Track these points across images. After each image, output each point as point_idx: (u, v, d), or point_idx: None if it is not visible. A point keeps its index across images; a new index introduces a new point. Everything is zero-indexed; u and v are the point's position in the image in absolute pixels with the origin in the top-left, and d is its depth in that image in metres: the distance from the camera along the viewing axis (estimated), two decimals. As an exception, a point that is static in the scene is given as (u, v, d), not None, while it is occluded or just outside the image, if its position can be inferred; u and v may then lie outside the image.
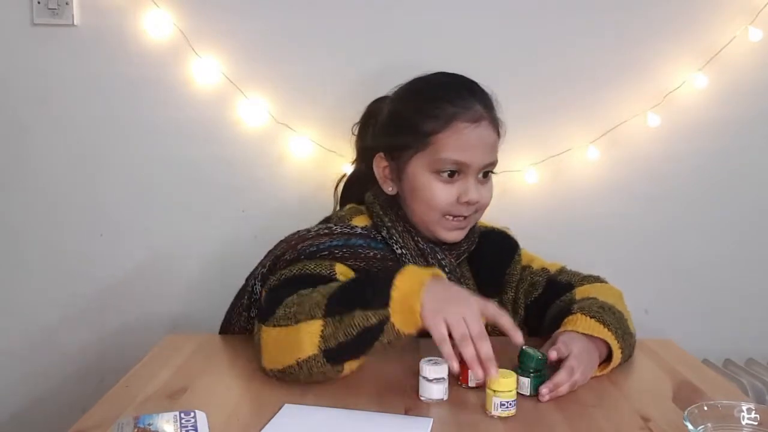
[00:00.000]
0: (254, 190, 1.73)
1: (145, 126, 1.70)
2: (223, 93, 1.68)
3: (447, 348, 0.95)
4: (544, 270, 1.33)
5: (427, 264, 1.24)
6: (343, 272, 1.17)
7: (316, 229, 1.25)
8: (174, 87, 1.68)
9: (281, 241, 1.26)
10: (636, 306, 1.76)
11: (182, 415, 0.89)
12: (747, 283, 1.78)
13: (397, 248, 1.23)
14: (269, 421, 0.92)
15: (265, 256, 1.27)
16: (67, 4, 1.64)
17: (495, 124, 1.24)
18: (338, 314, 1.00)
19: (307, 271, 1.16)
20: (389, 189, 1.27)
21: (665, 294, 1.78)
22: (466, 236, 1.28)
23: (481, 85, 1.27)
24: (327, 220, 1.32)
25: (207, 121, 1.69)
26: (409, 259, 1.23)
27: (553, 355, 1.04)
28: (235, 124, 1.69)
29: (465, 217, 1.24)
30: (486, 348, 0.95)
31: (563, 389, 1.01)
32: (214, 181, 1.72)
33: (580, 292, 1.26)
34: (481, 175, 1.23)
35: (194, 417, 0.89)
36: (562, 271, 1.34)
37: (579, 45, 1.71)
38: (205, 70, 1.66)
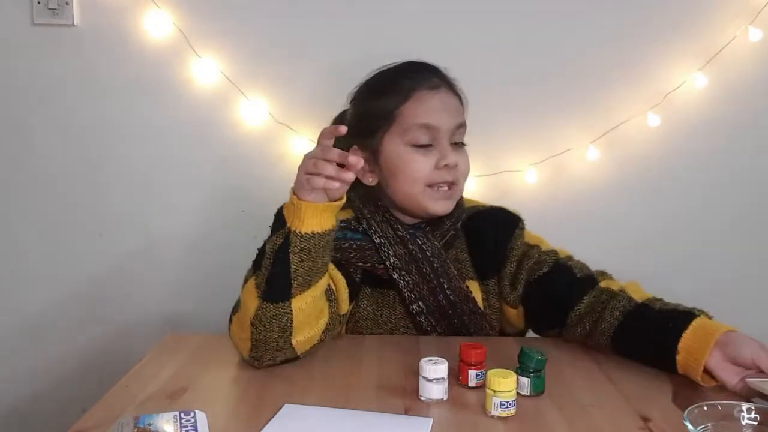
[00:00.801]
0: (254, 190, 1.73)
1: (145, 126, 1.71)
2: (223, 93, 1.68)
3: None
4: (552, 251, 1.31)
5: (407, 251, 1.24)
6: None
7: None
8: (174, 87, 1.68)
9: None
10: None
11: (182, 415, 0.89)
12: (747, 282, 1.78)
13: (375, 237, 1.24)
14: (269, 421, 0.92)
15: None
16: (67, 4, 1.65)
17: (454, 91, 1.28)
18: (258, 263, 1.07)
19: None
20: (369, 180, 1.27)
21: (665, 294, 1.77)
22: (449, 214, 1.27)
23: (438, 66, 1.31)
24: None
25: (207, 121, 1.69)
26: (387, 248, 1.23)
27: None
28: (236, 124, 1.69)
29: (449, 186, 1.24)
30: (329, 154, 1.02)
31: None
32: (214, 181, 1.72)
33: (628, 288, 1.25)
34: (454, 143, 1.25)
35: (194, 417, 0.89)
36: (570, 258, 1.31)
37: (579, 45, 1.71)
38: (205, 70, 1.66)
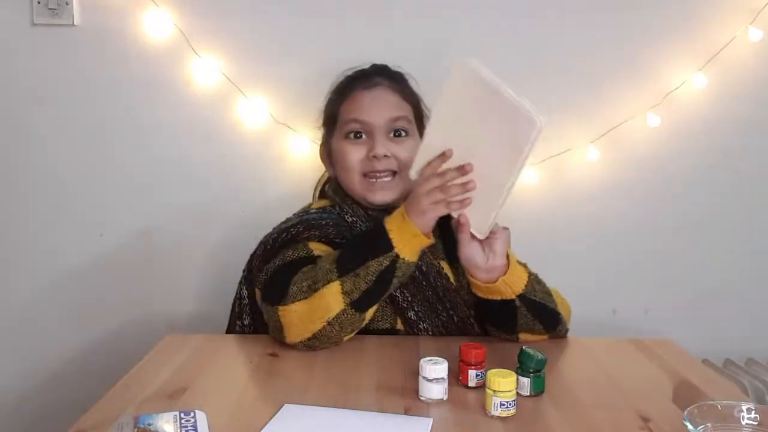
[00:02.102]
0: (254, 190, 1.73)
1: (145, 126, 1.70)
2: (223, 93, 1.68)
3: (440, 207, 1.12)
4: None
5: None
6: (317, 248, 1.25)
7: (277, 224, 1.34)
8: (174, 87, 1.68)
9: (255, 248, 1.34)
10: (636, 306, 1.77)
11: (182, 415, 0.89)
12: (747, 282, 1.78)
13: (348, 217, 1.32)
14: (269, 421, 0.92)
15: (246, 262, 1.35)
16: (67, 4, 1.65)
17: (396, 90, 1.36)
18: (351, 271, 1.12)
19: (288, 258, 1.23)
20: (330, 172, 1.40)
21: (665, 294, 1.78)
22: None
23: (394, 67, 1.40)
24: None
25: (207, 121, 1.69)
26: (360, 225, 1.31)
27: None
28: (235, 124, 1.69)
29: (383, 176, 1.30)
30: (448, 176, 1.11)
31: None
32: (214, 181, 1.72)
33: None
34: (392, 134, 1.32)
35: (194, 417, 0.89)
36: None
37: (579, 45, 1.71)
38: (205, 70, 1.66)
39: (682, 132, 1.72)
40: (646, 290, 1.76)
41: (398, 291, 1.27)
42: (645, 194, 1.75)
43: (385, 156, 1.30)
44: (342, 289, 1.12)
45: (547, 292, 1.24)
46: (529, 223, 1.65)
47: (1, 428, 1.77)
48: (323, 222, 1.29)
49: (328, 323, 1.12)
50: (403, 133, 1.33)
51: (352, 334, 1.17)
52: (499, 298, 1.18)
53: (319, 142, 1.43)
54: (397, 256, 1.12)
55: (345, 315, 1.12)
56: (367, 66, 1.41)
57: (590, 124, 1.71)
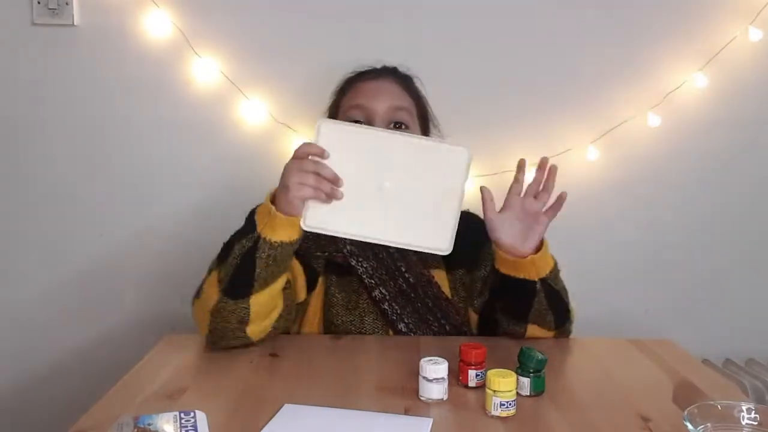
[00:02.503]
0: (254, 190, 1.72)
1: (145, 126, 1.70)
2: (223, 93, 1.68)
3: (306, 190, 1.09)
4: None
5: None
6: None
7: None
8: (174, 87, 1.68)
9: None
10: (636, 306, 1.77)
11: (182, 415, 0.89)
12: (748, 283, 1.78)
13: None
14: (269, 421, 0.92)
15: None
16: (67, 4, 1.64)
17: (400, 84, 1.36)
18: (224, 258, 1.14)
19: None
20: None
21: (665, 294, 1.78)
22: None
23: (402, 69, 1.40)
24: None
25: (207, 121, 1.69)
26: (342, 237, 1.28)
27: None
28: (236, 124, 1.69)
29: None
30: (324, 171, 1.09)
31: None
32: (214, 181, 1.72)
33: None
34: (393, 126, 1.30)
35: (194, 417, 0.89)
36: None
37: (579, 45, 1.71)
38: (205, 70, 1.66)
39: (682, 132, 1.72)
40: (646, 290, 1.76)
41: (387, 304, 1.28)
42: (645, 194, 1.75)
43: None
44: (218, 277, 1.13)
45: (564, 288, 1.24)
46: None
47: (1, 428, 1.77)
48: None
49: (211, 314, 1.13)
50: (404, 126, 1.31)
51: (260, 334, 1.16)
52: (522, 276, 1.19)
53: None
54: (259, 236, 1.11)
55: (221, 303, 1.12)
56: (378, 66, 1.41)
57: (590, 124, 1.71)
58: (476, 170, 1.70)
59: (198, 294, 1.18)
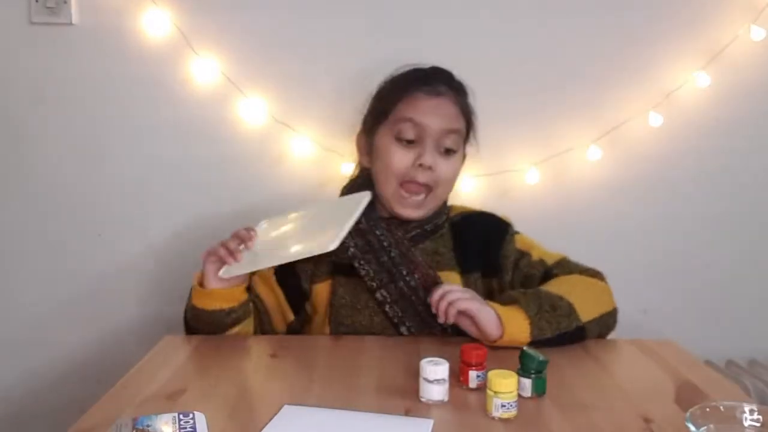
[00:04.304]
0: (254, 190, 1.72)
1: (144, 125, 1.70)
2: (222, 92, 1.67)
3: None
4: (541, 262, 1.36)
5: (365, 241, 1.30)
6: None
7: None
8: (173, 86, 1.67)
9: None
10: (636, 306, 1.76)
11: (181, 416, 0.89)
12: (749, 283, 1.77)
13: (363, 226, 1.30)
14: (269, 422, 0.91)
15: None
16: (65, 2, 1.64)
17: (457, 103, 1.33)
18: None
19: None
20: (365, 162, 1.37)
21: (667, 294, 1.78)
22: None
23: (457, 77, 1.36)
24: None
25: (206, 120, 1.69)
26: (348, 240, 1.27)
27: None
28: (235, 123, 1.69)
29: (423, 192, 1.30)
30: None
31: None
32: (214, 181, 1.72)
33: (550, 283, 1.29)
34: (442, 150, 1.29)
35: (193, 418, 0.89)
36: (560, 263, 1.35)
37: (581, 44, 1.70)
38: (204, 70, 1.66)
39: (684, 131, 1.72)
40: (646, 290, 1.76)
41: (388, 306, 1.28)
42: (646, 194, 1.74)
43: (430, 168, 1.28)
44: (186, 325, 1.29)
45: (563, 313, 1.19)
46: (529, 223, 1.64)
47: (0, 428, 1.77)
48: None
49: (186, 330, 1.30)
50: (452, 151, 1.31)
51: (236, 326, 1.25)
52: (519, 346, 1.15)
53: (358, 130, 1.40)
54: (193, 305, 1.24)
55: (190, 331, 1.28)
56: (428, 66, 1.37)
57: (592, 124, 1.71)
58: (477, 170, 1.70)
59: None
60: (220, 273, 1.21)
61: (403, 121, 1.28)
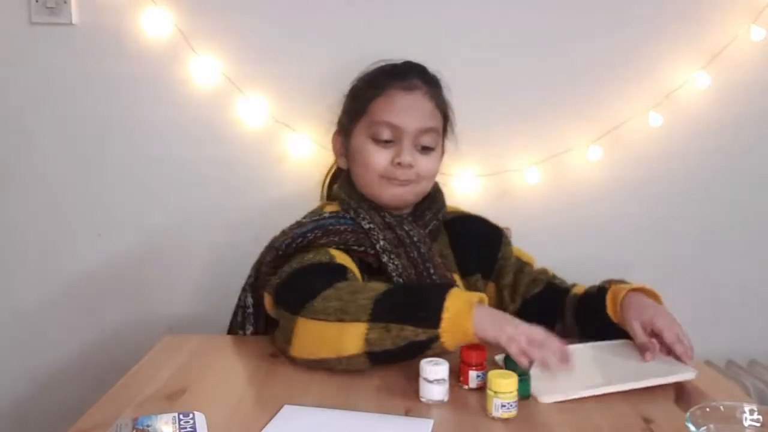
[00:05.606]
0: (254, 190, 1.72)
1: (144, 125, 1.70)
2: (222, 92, 1.67)
3: (515, 347, 0.98)
4: (543, 270, 1.39)
5: (396, 235, 1.27)
6: (337, 255, 1.21)
7: (287, 227, 1.29)
8: (173, 86, 1.67)
9: (261, 253, 1.30)
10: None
11: (181, 416, 0.89)
12: (749, 283, 1.77)
13: (364, 223, 1.27)
14: (269, 421, 0.91)
15: (251, 268, 1.32)
16: (65, 2, 1.64)
17: (433, 97, 1.31)
18: (384, 322, 1.03)
19: (308, 262, 1.18)
20: (342, 163, 1.36)
21: (667, 294, 1.77)
22: (429, 206, 1.34)
23: (429, 69, 1.35)
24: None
25: (206, 120, 1.69)
26: (377, 232, 1.26)
27: (648, 357, 1.12)
28: (235, 123, 1.69)
29: (404, 185, 1.28)
30: (555, 345, 0.99)
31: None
32: (214, 181, 1.71)
33: (582, 288, 1.34)
34: (420, 148, 1.29)
35: (193, 418, 0.89)
36: (554, 276, 1.40)
37: (580, 44, 1.70)
38: (204, 69, 1.66)
39: (684, 131, 1.72)
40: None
41: None
42: (646, 194, 1.74)
43: (410, 166, 1.27)
44: (366, 335, 1.03)
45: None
46: (530, 223, 1.65)
47: (0, 428, 1.77)
48: (341, 228, 1.25)
49: (337, 358, 1.05)
50: (430, 149, 1.30)
51: None
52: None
53: (334, 129, 1.39)
54: (438, 337, 1.01)
55: (357, 359, 1.04)
56: (400, 62, 1.35)
57: (592, 124, 1.70)
58: (477, 170, 1.70)
59: (314, 313, 1.07)
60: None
61: (380, 124, 1.27)
